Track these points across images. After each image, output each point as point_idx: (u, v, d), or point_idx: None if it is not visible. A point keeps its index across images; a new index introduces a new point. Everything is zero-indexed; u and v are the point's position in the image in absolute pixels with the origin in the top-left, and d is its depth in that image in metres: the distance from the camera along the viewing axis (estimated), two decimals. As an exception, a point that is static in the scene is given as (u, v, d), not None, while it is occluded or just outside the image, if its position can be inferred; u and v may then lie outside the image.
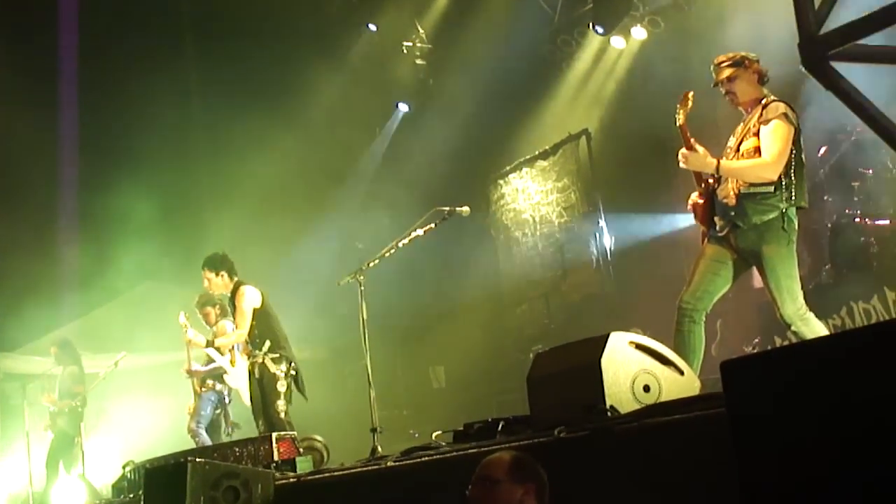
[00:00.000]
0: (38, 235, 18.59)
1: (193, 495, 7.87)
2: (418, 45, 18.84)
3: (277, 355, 11.57)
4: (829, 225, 11.34)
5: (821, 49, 4.76)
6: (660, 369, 6.65)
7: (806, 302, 7.58)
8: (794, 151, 7.53)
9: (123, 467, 11.32)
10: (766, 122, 7.55)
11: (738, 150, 7.76)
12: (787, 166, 7.51)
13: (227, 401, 13.57)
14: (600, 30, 15.78)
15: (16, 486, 15.70)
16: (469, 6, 17.35)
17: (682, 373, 6.73)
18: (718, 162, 7.73)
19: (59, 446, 14.85)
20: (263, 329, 11.73)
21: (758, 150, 7.58)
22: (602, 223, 14.99)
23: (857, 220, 10.98)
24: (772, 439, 3.38)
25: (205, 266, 12.11)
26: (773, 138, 7.49)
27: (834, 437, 3.12)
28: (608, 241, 14.90)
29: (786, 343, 10.37)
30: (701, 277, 7.88)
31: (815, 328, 7.49)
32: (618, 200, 15.32)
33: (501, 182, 18.57)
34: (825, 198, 11.74)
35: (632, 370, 6.52)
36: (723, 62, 7.86)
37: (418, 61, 19.00)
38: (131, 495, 10.73)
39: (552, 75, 17.20)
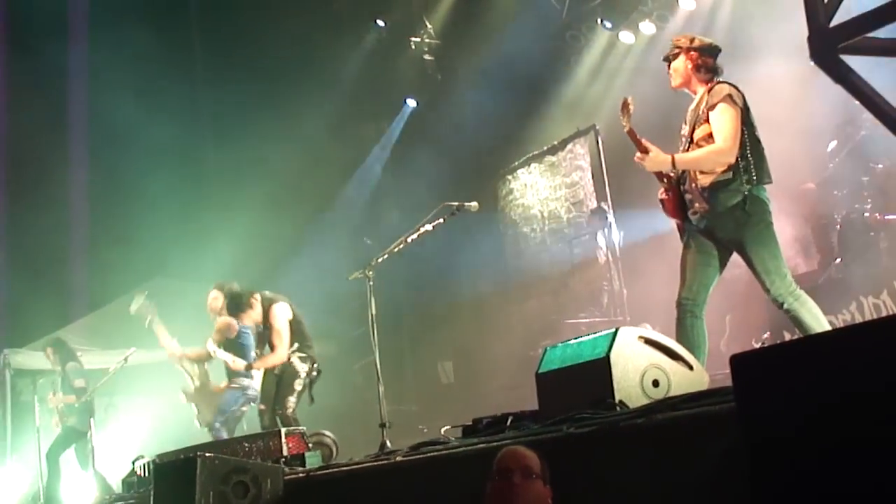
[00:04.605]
0: (48, 232, 18.63)
1: (203, 490, 7.87)
2: (426, 40, 18.85)
3: (305, 355, 11.83)
4: (839, 219, 11.33)
5: (830, 42, 4.74)
6: (669, 364, 6.65)
7: (815, 297, 7.57)
8: (745, 131, 7.57)
9: (133, 462, 11.34)
10: (712, 107, 7.63)
11: (691, 139, 7.82)
12: (742, 147, 7.54)
13: (251, 395, 13.40)
14: (609, 25, 15.82)
15: (27, 482, 15.72)
16: (477, 2, 17.33)
17: (691, 367, 6.73)
18: (673, 158, 7.79)
19: (62, 442, 14.81)
20: (294, 333, 11.91)
21: (711, 137, 7.64)
22: (610, 218, 14.93)
23: (867, 214, 10.96)
24: (782, 433, 3.37)
25: (233, 312, 12.08)
26: (722, 122, 7.55)
27: (845, 431, 3.12)
28: (616, 237, 14.86)
29: (795, 338, 10.37)
30: (692, 272, 7.89)
31: (808, 305, 7.46)
32: (626, 195, 15.27)
33: (510, 177, 18.54)
34: (834, 192, 11.73)
35: (641, 365, 6.52)
36: (673, 42, 8.11)
37: (426, 57, 19.02)
38: (141, 490, 10.75)
39: (560, 70, 17.19)
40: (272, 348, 11.97)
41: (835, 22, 4.76)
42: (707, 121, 7.65)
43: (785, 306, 7.48)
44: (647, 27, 15.47)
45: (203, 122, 20.18)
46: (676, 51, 7.98)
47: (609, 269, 14.78)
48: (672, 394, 6.42)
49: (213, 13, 19.97)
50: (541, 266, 17.62)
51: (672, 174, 7.96)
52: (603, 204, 15.17)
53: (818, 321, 7.34)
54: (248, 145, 18.91)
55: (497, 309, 17.97)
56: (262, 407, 12.02)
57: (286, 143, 18.65)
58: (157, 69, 18.02)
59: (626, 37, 15.91)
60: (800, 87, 10.45)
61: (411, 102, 19.98)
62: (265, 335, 12.16)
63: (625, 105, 7.94)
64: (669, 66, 8.08)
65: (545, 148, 17.53)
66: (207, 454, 8.18)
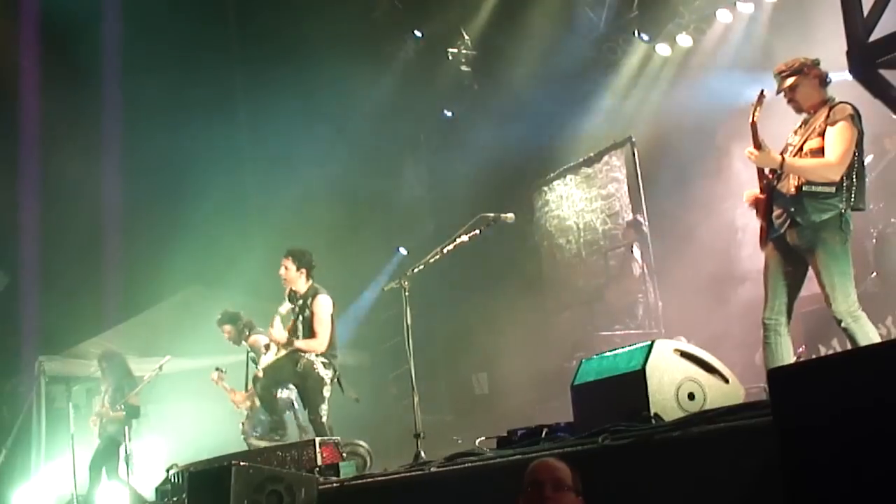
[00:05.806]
0: (82, 239, 18.74)
1: (237, 499, 7.90)
2: (463, 51, 18.85)
3: (327, 361, 11.69)
4: (875, 234, 11.27)
5: (870, 56, 4.74)
6: (704, 377, 6.64)
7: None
8: (856, 154, 7.67)
9: (167, 470, 11.39)
10: (833, 123, 7.68)
11: (801, 149, 7.84)
12: (850, 168, 7.64)
13: (295, 406, 13.35)
14: (645, 37, 15.79)
15: (61, 489, 15.78)
16: (514, 13, 17.32)
17: (727, 381, 6.73)
18: (783, 159, 7.85)
19: (104, 451, 14.87)
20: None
21: (822, 150, 7.70)
22: (646, 230, 14.89)
23: (904, 228, 10.89)
24: (818, 448, 3.36)
25: (289, 255, 12.14)
26: (838, 140, 7.62)
27: (882, 447, 3.11)
28: (652, 249, 14.81)
29: (830, 352, 10.32)
30: (774, 292, 8.01)
31: (864, 327, 7.52)
32: (662, 208, 15.24)
33: (546, 189, 18.48)
34: (870, 206, 11.64)
35: (676, 378, 6.52)
36: (783, 72, 8.03)
37: (463, 68, 19.01)
38: (175, 499, 10.79)
39: (597, 82, 17.16)
40: (313, 334, 11.86)
41: (874, 37, 4.76)
42: (821, 134, 7.73)
43: (843, 325, 7.56)
44: (684, 39, 15.43)
45: (240, 131, 20.26)
46: (794, 77, 7.94)
47: (644, 281, 14.72)
48: (707, 407, 6.41)
49: (250, 23, 20.06)
50: (576, 278, 17.56)
51: (770, 176, 8.03)
52: (638, 216, 15.13)
53: (870, 343, 7.37)
54: (285, 156, 18.96)
55: (532, 320, 17.89)
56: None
57: (323, 154, 18.69)
58: (194, 76, 18.11)
59: (662, 49, 15.87)
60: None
61: (448, 113, 19.99)
62: (304, 320, 12.11)
63: (760, 96, 8.03)
64: (791, 96, 8.00)
65: (581, 160, 17.45)
66: (242, 463, 8.22)
